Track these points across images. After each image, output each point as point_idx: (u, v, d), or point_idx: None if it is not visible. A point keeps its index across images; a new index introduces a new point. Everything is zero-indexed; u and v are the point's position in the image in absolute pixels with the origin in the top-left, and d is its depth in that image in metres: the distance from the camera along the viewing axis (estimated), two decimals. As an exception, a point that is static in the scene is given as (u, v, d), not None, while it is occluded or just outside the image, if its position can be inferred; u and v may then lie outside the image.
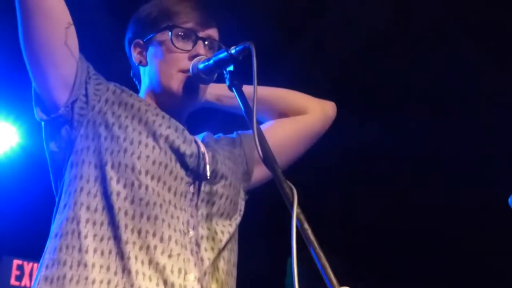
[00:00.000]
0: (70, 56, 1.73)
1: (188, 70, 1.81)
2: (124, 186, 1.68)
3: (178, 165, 1.74)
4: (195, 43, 1.83)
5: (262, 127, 1.99)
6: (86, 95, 1.75)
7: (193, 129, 1.93)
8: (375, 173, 4.81)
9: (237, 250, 1.87)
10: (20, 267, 5.14)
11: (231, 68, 1.70)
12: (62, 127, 1.75)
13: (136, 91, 1.91)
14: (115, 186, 1.68)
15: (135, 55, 1.90)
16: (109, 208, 1.67)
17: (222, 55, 1.71)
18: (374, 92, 4.40)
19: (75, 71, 1.74)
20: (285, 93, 2.09)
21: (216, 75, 1.80)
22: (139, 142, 1.72)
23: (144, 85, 1.90)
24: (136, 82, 1.96)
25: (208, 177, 1.77)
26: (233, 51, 1.68)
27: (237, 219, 1.84)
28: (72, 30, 1.73)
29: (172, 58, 1.83)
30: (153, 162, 1.70)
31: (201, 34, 1.84)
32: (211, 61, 1.75)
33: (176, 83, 1.81)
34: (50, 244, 1.70)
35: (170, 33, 1.83)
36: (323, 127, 2.08)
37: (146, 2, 1.93)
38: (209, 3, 1.91)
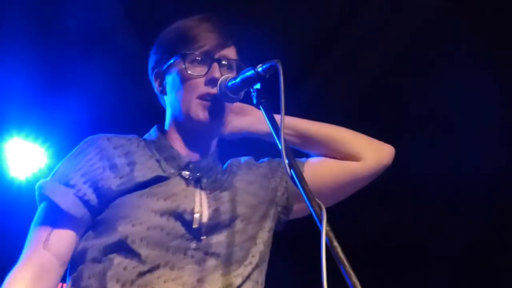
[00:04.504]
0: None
1: (205, 96, 1.80)
2: (119, 253, 1.71)
3: (177, 224, 1.73)
4: (209, 67, 1.82)
5: (307, 163, 1.98)
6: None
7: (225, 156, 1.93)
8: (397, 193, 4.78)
9: (265, 273, 1.87)
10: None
11: (258, 86, 1.69)
12: None
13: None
14: (110, 253, 1.71)
15: (156, 85, 1.91)
16: (103, 274, 1.70)
17: (249, 73, 1.70)
18: (398, 113, 4.39)
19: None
20: (339, 133, 2.01)
21: (243, 93, 1.79)
22: (134, 207, 1.73)
23: (168, 115, 1.91)
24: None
25: (204, 234, 1.75)
26: (259, 69, 1.68)
27: (249, 265, 1.80)
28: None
29: (189, 85, 1.82)
30: (148, 228, 1.71)
31: (216, 56, 1.83)
32: (238, 80, 1.74)
33: (196, 110, 1.81)
34: None
35: (183, 61, 1.82)
36: (373, 176, 2.02)
37: (168, 24, 1.93)
38: (226, 23, 1.89)
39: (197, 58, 1.83)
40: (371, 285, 1.50)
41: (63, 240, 1.74)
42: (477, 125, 4.29)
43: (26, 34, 3.51)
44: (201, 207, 1.77)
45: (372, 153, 2.00)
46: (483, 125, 4.29)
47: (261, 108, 1.67)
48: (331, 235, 1.44)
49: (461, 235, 4.83)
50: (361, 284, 1.40)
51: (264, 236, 1.87)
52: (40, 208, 1.79)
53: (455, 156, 4.48)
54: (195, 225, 1.74)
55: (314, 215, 1.48)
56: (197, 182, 1.82)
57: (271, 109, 1.67)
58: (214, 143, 1.90)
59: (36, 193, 1.80)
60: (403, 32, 3.97)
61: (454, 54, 3.99)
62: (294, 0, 3.73)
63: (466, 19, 3.78)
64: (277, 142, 1.57)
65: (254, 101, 1.69)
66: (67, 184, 1.76)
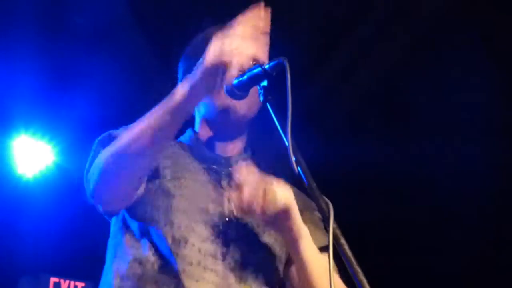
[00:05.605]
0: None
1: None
2: (154, 254, 1.76)
3: (208, 228, 1.78)
4: None
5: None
6: None
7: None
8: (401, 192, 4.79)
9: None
10: (57, 285, 5.17)
11: (265, 83, 1.69)
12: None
13: None
14: (147, 253, 1.76)
15: None
16: (139, 276, 1.75)
17: (256, 70, 1.69)
18: (400, 113, 4.39)
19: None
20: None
21: (250, 90, 1.79)
22: (166, 207, 1.78)
23: (200, 114, 1.97)
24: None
25: (233, 239, 1.79)
26: (266, 67, 1.67)
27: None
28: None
29: None
30: (179, 227, 1.76)
31: None
32: (245, 77, 1.72)
33: (225, 100, 1.84)
34: None
35: None
36: None
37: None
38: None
39: None
40: (375, 284, 1.50)
41: None
42: (477, 125, 4.29)
43: (33, 32, 3.52)
44: (228, 210, 1.81)
45: None
46: (483, 125, 4.29)
47: (268, 105, 1.67)
48: (338, 232, 1.45)
49: (462, 236, 4.84)
50: (368, 281, 1.40)
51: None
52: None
53: (455, 156, 4.49)
54: (222, 228, 1.78)
55: (321, 213, 1.48)
56: (227, 177, 1.86)
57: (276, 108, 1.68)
58: (244, 140, 1.96)
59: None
60: (405, 33, 3.99)
61: (455, 54, 4.00)
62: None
63: (466, 19, 3.78)
64: (284, 139, 1.58)
65: (261, 98, 1.69)
66: None
